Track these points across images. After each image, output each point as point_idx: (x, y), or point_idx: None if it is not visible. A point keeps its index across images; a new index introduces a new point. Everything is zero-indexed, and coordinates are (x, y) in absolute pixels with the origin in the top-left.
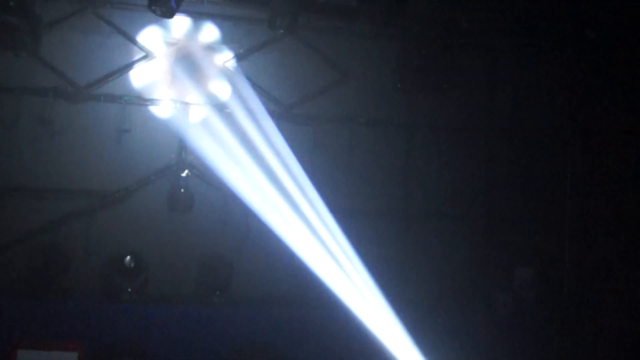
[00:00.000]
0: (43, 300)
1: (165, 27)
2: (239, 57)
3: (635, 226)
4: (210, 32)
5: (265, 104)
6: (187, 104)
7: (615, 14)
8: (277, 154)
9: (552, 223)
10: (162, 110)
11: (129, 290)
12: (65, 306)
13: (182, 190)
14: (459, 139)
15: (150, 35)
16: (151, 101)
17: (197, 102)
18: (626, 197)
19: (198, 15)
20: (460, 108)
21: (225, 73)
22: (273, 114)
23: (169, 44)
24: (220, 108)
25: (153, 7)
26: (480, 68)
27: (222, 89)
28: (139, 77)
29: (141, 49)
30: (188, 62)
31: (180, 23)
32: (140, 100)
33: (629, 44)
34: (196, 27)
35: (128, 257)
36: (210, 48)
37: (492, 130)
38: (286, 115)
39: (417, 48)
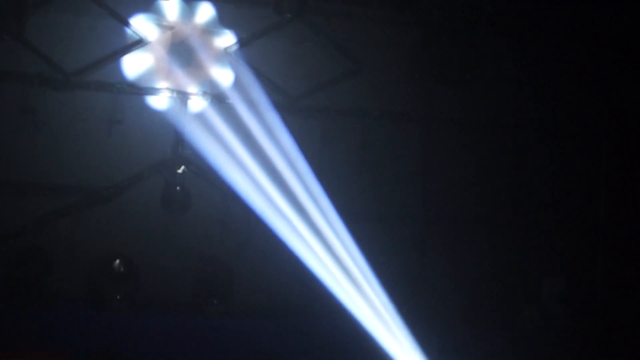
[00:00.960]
0: (23, 307)
1: (161, 9)
2: (241, 43)
3: None
4: (210, 15)
5: (270, 94)
6: (184, 93)
7: None
8: (283, 149)
9: (584, 229)
10: (157, 100)
11: (118, 297)
12: (48, 314)
13: (178, 188)
14: (483, 136)
15: (145, 19)
16: (145, 90)
17: (196, 92)
18: None
19: None
20: (484, 102)
21: (227, 60)
22: (278, 106)
23: (166, 28)
24: (221, 99)
25: None
26: (507, 58)
27: (222, 78)
28: (132, 64)
29: (135, 33)
30: (186, 48)
31: (178, 5)
32: (134, 89)
33: None
34: (195, 10)
35: (117, 261)
36: (210, 33)
37: (519, 126)
38: (293, 108)
39: (437, 35)
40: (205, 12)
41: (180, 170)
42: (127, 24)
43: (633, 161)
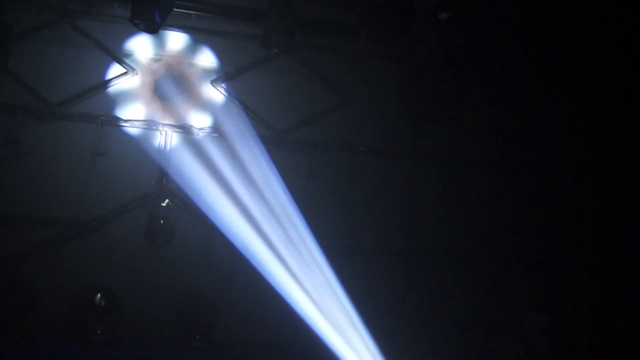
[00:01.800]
0: (3, 342)
1: (148, 42)
2: (228, 77)
3: None
4: (198, 48)
5: (256, 128)
6: (170, 126)
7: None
8: (269, 183)
9: (567, 266)
10: (142, 132)
11: (99, 331)
12: (28, 349)
13: (162, 221)
14: (469, 173)
15: (131, 51)
16: (130, 122)
17: (181, 125)
18: None
19: (185, 31)
20: (470, 137)
21: (213, 93)
22: (265, 140)
23: (152, 60)
24: (207, 132)
25: (135, 21)
26: (492, 95)
27: (209, 111)
28: (118, 96)
29: (121, 64)
30: (172, 81)
31: (166, 38)
32: (119, 121)
33: None
34: (182, 43)
35: (99, 295)
36: (198, 66)
37: (504, 162)
38: (279, 141)
39: (424, 72)
40: (192, 46)
41: (164, 204)
42: (113, 55)
43: (616, 196)
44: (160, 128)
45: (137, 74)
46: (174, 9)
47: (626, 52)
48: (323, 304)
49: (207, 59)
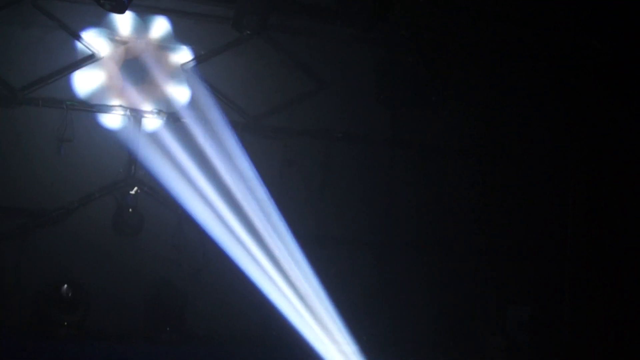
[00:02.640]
0: None
1: (115, 23)
2: (199, 60)
3: None
4: (167, 30)
5: (228, 114)
6: (138, 111)
7: (623, 23)
8: (241, 171)
9: (550, 257)
10: (109, 118)
11: (66, 324)
12: None
13: (130, 210)
14: (448, 161)
15: (98, 33)
16: (97, 107)
17: (150, 110)
18: (634, 229)
19: (153, 11)
20: (450, 125)
21: (183, 78)
22: (237, 126)
23: (119, 43)
24: (177, 118)
25: (101, 1)
26: (474, 80)
27: (179, 96)
28: (83, 80)
29: (87, 47)
30: (141, 64)
31: (132, 19)
32: (85, 106)
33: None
34: (150, 24)
35: (65, 287)
36: (167, 49)
37: (485, 151)
38: (253, 128)
39: (403, 56)
40: (161, 27)
41: (133, 192)
42: (78, 37)
43: (601, 188)
44: (128, 113)
45: (103, 57)
46: None
47: (613, 37)
48: (297, 294)
49: (176, 41)
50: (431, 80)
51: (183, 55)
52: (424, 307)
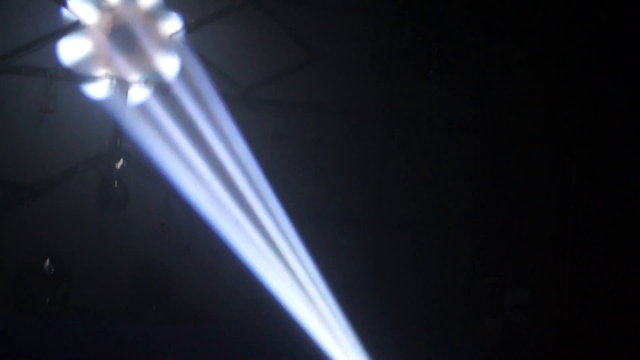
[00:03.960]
0: None
1: None
2: (188, 29)
3: None
4: None
5: (218, 85)
6: (125, 82)
7: None
8: (231, 145)
9: (551, 239)
10: (94, 88)
11: (47, 301)
12: None
13: (116, 183)
14: (447, 136)
15: None
16: (82, 77)
17: (137, 80)
18: (637, 213)
19: None
20: (449, 99)
21: (172, 47)
22: (227, 98)
23: (106, 10)
24: (165, 88)
25: None
26: (475, 52)
27: (167, 66)
28: (68, 48)
29: (72, 14)
30: (128, 33)
31: None
32: (69, 76)
33: None
34: None
35: (47, 262)
36: (156, 17)
37: (486, 127)
38: (243, 99)
39: (400, 25)
40: None
41: (118, 165)
42: (63, 3)
43: (605, 166)
44: (115, 83)
45: (89, 25)
46: None
47: (621, 9)
48: (288, 272)
49: (165, 9)
50: (429, 52)
51: (172, 24)
52: (419, 287)
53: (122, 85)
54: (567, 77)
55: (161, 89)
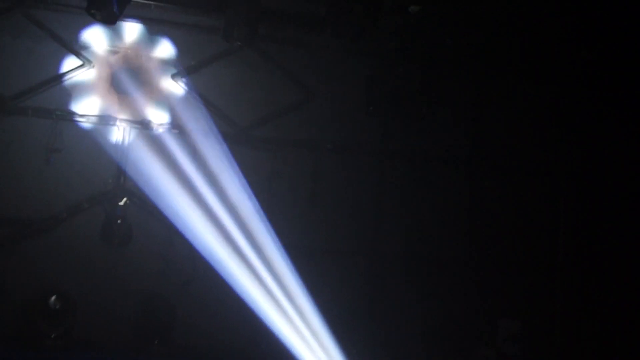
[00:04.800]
0: None
1: (106, 33)
2: (189, 70)
3: (635, 273)
4: (157, 41)
5: (218, 124)
6: (128, 121)
7: (614, 35)
8: (231, 182)
9: (541, 270)
10: (99, 128)
11: (53, 336)
12: None
13: (119, 221)
14: (439, 171)
15: (88, 42)
16: (87, 117)
17: (140, 120)
18: (624, 243)
19: (144, 22)
20: (441, 136)
21: (173, 88)
22: (227, 137)
23: (110, 52)
24: (167, 128)
25: (92, 11)
26: (465, 91)
27: (168, 106)
28: (73, 89)
29: (77, 57)
30: (130, 74)
31: (124, 29)
32: (74, 116)
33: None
34: (142, 34)
35: (53, 298)
36: (157, 59)
37: (477, 162)
38: (242, 138)
39: (393, 67)
40: (151, 38)
41: (122, 203)
42: (68, 47)
43: (593, 200)
44: (118, 123)
45: (93, 67)
46: None
47: (602, 48)
48: (286, 306)
49: (166, 51)
50: (421, 91)
51: (173, 66)
52: (414, 318)
53: (124, 125)
54: (556, 113)
55: (163, 128)
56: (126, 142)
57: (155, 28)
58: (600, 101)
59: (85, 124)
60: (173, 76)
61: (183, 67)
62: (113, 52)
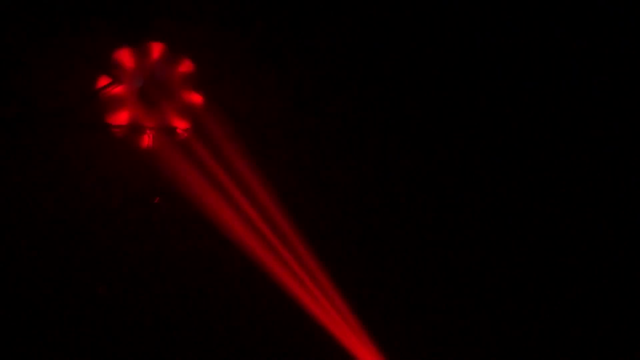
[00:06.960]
0: None
1: (133, 51)
2: (212, 79)
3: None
4: (180, 57)
5: (237, 129)
6: (147, 129)
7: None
8: (257, 187)
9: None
10: (117, 135)
11: None
12: None
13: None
14: None
15: (117, 61)
16: (118, 127)
17: (159, 127)
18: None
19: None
20: None
21: (193, 95)
22: (251, 142)
23: (138, 69)
24: (185, 134)
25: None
26: None
27: (188, 113)
28: (104, 102)
29: (108, 74)
30: (150, 82)
31: (149, 48)
32: (107, 126)
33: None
34: (165, 51)
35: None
36: (180, 72)
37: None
38: (262, 140)
39: None
40: (175, 52)
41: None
42: (101, 68)
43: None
44: (145, 132)
45: (123, 83)
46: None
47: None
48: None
49: (189, 65)
50: None
51: (194, 76)
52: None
53: (144, 132)
54: (549, 109)
55: (182, 135)
56: (145, 148)
57: (178, 45)
58: (595, 92)
59: (117, 133)
60: (195, 87)
61: (205, 77)
62: (141, 68)
